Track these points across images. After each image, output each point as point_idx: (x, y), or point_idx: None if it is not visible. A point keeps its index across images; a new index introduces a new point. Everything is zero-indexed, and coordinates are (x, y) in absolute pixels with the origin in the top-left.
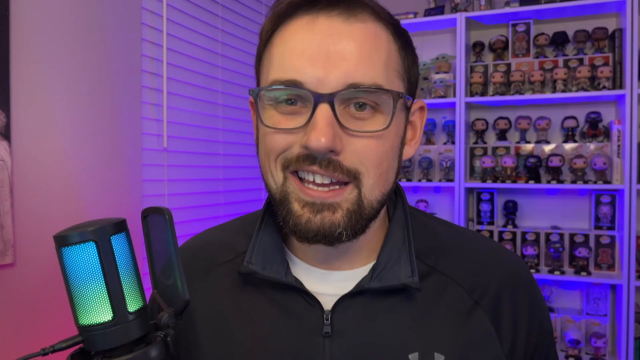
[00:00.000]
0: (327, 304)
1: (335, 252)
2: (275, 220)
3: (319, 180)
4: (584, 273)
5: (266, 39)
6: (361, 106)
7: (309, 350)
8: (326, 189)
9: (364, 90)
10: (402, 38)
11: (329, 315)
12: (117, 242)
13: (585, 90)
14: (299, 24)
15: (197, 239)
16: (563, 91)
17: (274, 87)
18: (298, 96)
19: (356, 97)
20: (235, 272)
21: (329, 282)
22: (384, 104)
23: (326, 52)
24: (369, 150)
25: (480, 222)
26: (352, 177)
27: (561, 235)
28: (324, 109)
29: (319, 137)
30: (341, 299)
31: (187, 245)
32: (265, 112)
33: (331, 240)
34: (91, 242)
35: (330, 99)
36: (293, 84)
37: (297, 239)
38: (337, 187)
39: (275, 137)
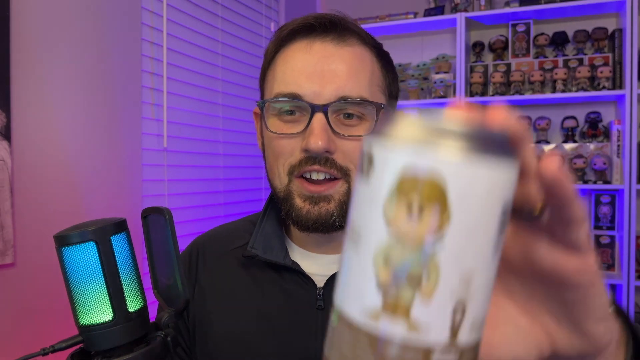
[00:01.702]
0: (320, 282)
1: (328, 239)
2: (276, 213)
3: (314, 177)
4: None
5: (270, 58)
6: (349, 116)
7: (304, 322)
8: (321, 185)
9: (351, 102)
10: (384, 59)
11: (322, 292)
12: (117, 242)
13: (585, 90)
14: (299, 47)
15: (211, 231)
16: (563, 91)
17: (278, 99)
18: (297, 107)
19: (345, 108)
20: (238, 260)
21: (321, 264)
22: (369, 113)
23: (321, 70)
24: (357, 151)
25: None
26: (344, 174)
27: None
28: (319, 117)
29: (317, 141)
30: (332, 277)
31: (198, 239)
32: (270, 121)
33: (327, 227)
34: (91, 242)
35: (324, 109)
36: (294, 96)
37: (298, 229)
38: (329, 182)
39: (280, 142)
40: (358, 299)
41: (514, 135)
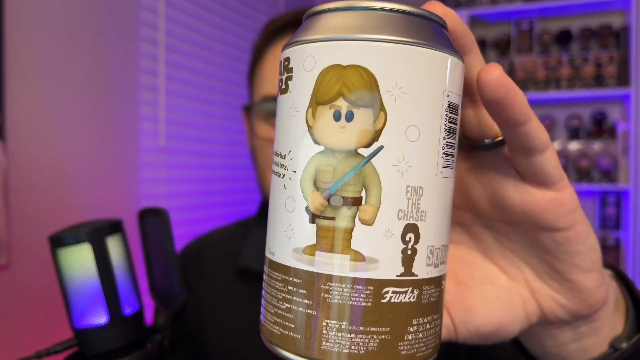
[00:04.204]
0: None
1: None
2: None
3: None
4: None
5: (258, 55)
6: None
7: None
8: None
9: None
10: None
11: None
12: (113, 244)
13: (590, 88)
14: None
15: (199, 239)
16: (567, 89)
17: (267, 101)
18: None
19: None
20: (233, 267)
21: None
22: None
23: None
24: None
25: None
26: None
27: None
28: None
29: None
30: None
31: (191, 245)
32: (258, 125)
33: None
34: (86, 243)
35: None
36: None
37: None
38: None
39: (270, 150)
40: (288, 238)
41: (453, 28)
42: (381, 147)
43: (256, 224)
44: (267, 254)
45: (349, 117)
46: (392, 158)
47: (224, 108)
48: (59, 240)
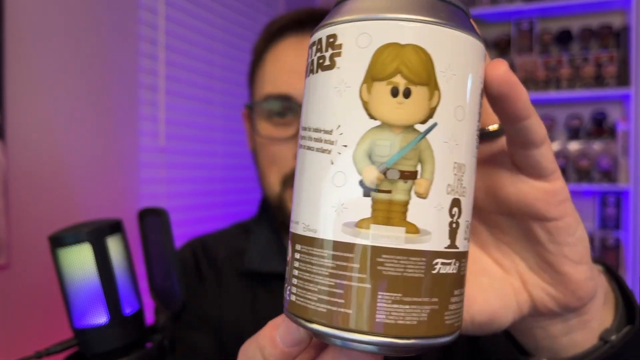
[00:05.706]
0: None
1: None
2: (270, 219)
3: None
4: None
5: (259, 56)
6: None
7: None
8: None
9: None
10: None
11: None
12: (113, 244)
13: (590, 88)
14: (289, 43)
15: (198, 239)
16: (567, 89)
17: (268, 100)
18: (289, 108)
19: None
20: (236, 269)
21: None
22: None
23: None
24: None
25: None
26: None
27: None
28: None
29: None
30: None
31: (195, 240)
32: (260, 124)
33: None
34: (86, 243)
35: None
36: (284, 97)
37: None
38: None
39: (272, 148)
40: (337, 213)
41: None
42: (435, 124)
43: (257, 225)
44: (304, 232)
45: (407, 93)
46: (444, 135)
47: (224, 108)
48: (59, 240)
